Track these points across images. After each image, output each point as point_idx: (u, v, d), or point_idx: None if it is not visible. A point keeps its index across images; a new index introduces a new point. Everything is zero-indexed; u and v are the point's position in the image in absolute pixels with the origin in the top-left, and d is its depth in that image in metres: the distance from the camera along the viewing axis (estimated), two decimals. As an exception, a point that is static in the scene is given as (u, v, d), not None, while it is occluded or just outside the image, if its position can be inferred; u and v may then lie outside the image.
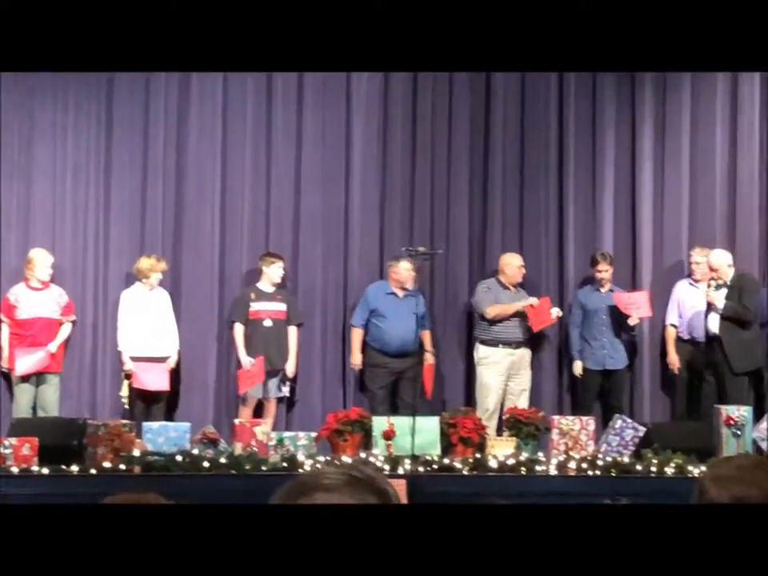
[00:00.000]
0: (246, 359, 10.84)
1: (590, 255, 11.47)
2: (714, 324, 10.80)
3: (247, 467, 9.05)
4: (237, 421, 9.96)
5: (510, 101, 11.77)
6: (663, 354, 11.61)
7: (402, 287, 11.08)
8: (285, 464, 9.10)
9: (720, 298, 10.75)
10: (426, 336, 11.13)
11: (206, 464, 9.03)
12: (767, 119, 11.83)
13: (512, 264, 11.22)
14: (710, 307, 10.83)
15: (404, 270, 11.03)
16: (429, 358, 11.14)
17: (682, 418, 11.34)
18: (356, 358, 11.14)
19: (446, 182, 11.71)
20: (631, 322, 11.21)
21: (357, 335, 11.16)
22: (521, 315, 11.09)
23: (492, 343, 11.06)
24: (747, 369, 10.77)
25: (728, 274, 10.87)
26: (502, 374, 11.02)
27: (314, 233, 11.52)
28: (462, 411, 10.27)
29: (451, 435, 9.77)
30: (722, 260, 10.93)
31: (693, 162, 11.88)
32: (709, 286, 10.87)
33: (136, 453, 9.03)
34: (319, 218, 11.52)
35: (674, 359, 11.43)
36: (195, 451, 9.21)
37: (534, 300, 11.07)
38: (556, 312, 11.12)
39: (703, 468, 8.10)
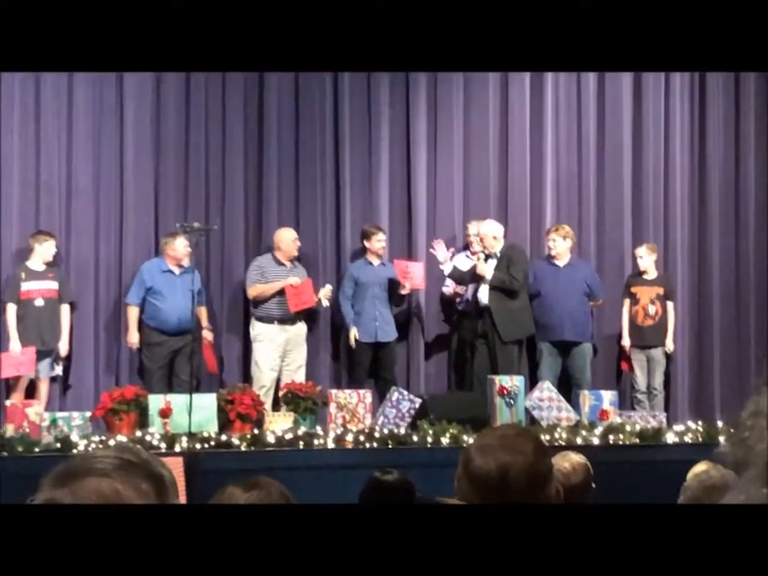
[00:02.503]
0: (16, 345, 10.54)
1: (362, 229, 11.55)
2: (484, 295, 11.01)
3: (19, 449, 8.85)
4: (8, 402, 9.73)
5: (286, 78, 11.74)
6: (438, 325, 11.82)
7: (178, 264, 10.95)
8: (59, 445, 8.94)
9: (489, 269, 10.97)
10: (203, 312, 11.06)
11: (-25, 446, 8.80)
12: (533, 96, 12.15)
13: (286, 239, 11.18)
14: (480, 278, 11.05)
15: (181, 247, 10.90)
16: (207, 335, 11.10)
17: (456, 388, 11.54)
18: (132, 337, 10.96)
19: (221, 158, 11.62)
20: (402, 291, 11.33)
21: (132, 313, 10.97)
22: None
23: (267, 320, 11.03)
24: (515, 337, 11.01)
25: (493, 245, 11.08)
26: (277, 350, 11.00)
27: (87, 209, 11.27)
28: (240, 387, 10.26)
29: (229, 412, 9.76)
30: (486, 230, 11.15)
31: (466, 139, 12.12)
32: (478, 257, 11.09)
33: None
34: (92, 194, 11.28)
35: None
36: (-36, 434, 8.97)
37: (294, 280, 11.01)
38: (325, 292, 11.12)
39: (477, 437, 8.27)
